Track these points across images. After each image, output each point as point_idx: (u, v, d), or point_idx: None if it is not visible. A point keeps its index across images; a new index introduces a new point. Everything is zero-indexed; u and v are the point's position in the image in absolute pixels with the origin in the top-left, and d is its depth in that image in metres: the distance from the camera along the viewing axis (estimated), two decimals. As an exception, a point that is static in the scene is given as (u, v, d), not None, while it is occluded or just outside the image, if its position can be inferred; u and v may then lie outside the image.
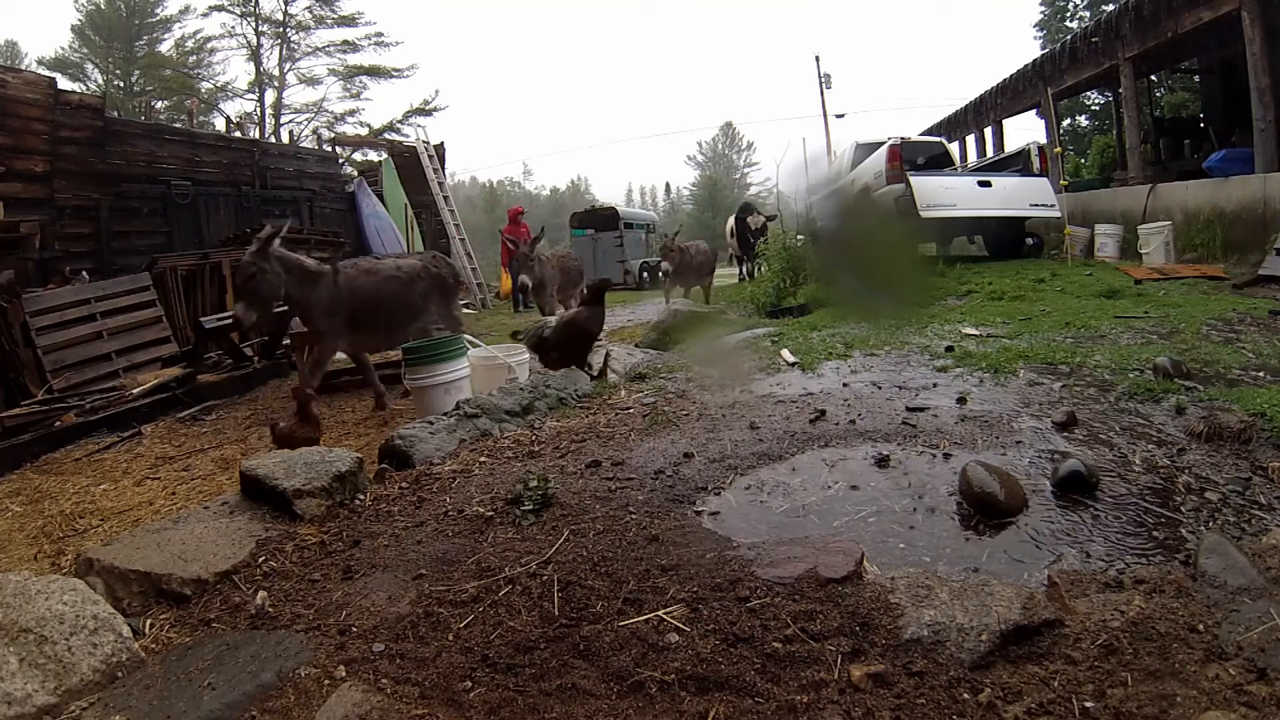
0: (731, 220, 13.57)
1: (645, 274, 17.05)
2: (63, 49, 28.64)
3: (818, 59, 22.87)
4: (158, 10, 28.92)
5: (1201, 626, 1.35)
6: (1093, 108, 23.72)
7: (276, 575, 1.95)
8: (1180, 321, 4.10)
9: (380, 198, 12.75)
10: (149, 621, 1.77)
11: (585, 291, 4.18)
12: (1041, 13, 27.55)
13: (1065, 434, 2.47)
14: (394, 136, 21.12)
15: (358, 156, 19.13)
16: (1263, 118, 7.73)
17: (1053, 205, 8.37)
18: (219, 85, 28.18)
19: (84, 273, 7.37)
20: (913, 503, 2.09)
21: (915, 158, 9.60)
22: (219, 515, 2.25)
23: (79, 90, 22.09)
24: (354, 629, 1.63)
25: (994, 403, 2.85)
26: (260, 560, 2.01)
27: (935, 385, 3.14)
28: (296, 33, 27.47)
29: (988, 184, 8.35)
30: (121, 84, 28.19)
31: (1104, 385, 2.91)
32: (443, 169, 14.40)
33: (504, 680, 1.42)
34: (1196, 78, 13.07)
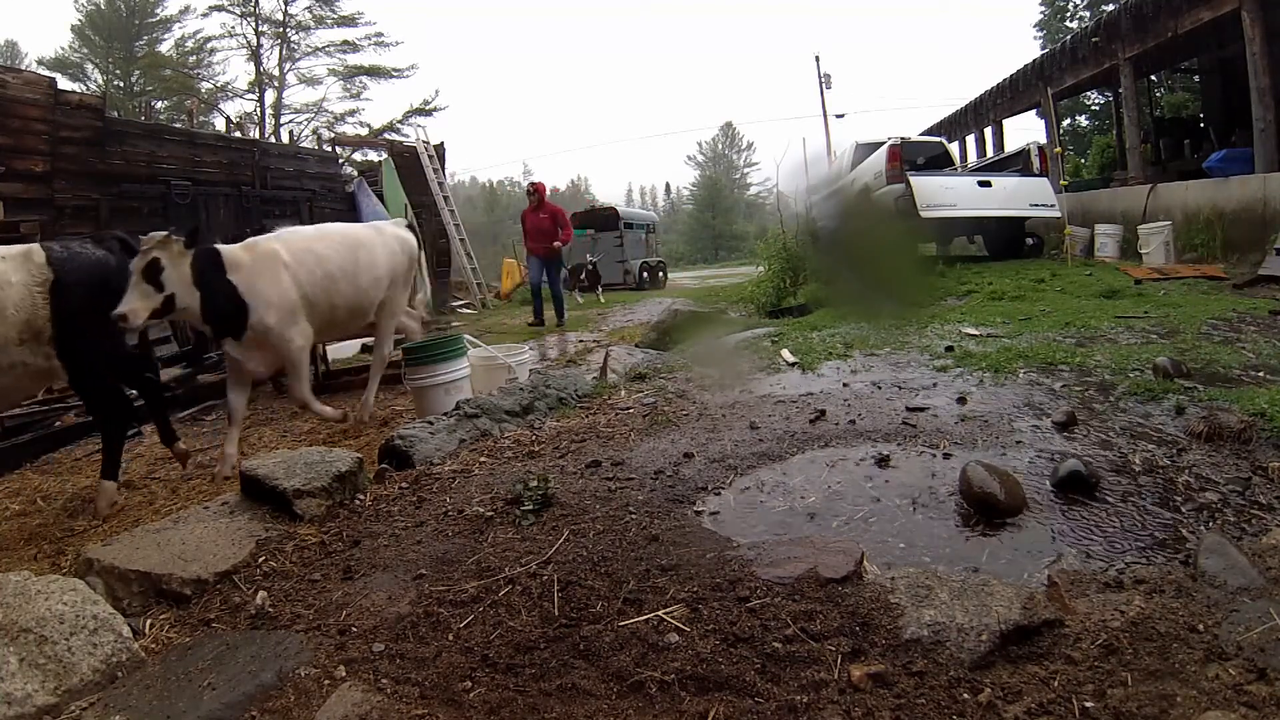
0: None
1: (645, 274, 17.06)
2: (63, 49, 28.71)
3: (818, 59, 22.86)
4: (158, 10, 28.96)
5: (1201, 626, 1.35)
6: (1093, 108, 23.72)
7: (276, 575, 1.95)
8: (1180, 321, 4.10)
9: (380, 198, 12.72)
10: (149, 621, 1.77)
11: None
12: (1041, 13, 27.56)
13: (1065, 434, 2.47)
14: (394, 136, 21.12)
15: (358, 156, 19.11)
16: (1263, 118, 7.73)
17: (1053, 205, 8.36)
18: (219, 85, 28.17)
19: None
20: (912, 503, 2.09)
21: (915, 158, 9.60)
22: (219, 515, 2.26)
23: (79, 90, 22.10)
24: (354, 629, 1.63)
25: (994, 403, 2.84)
26: (260, 560, 2.01)
27: (935, 385, 3.14)
28: (296, 33, 27.47)
29: (988, 184, 8.34)
30: (121, 84, 28.20)
31: (1104, 385, 2.91)
32: (443, 169, 14.38)
33: (504, 680, 1.42)
34: (1196, 78, 13.07)
